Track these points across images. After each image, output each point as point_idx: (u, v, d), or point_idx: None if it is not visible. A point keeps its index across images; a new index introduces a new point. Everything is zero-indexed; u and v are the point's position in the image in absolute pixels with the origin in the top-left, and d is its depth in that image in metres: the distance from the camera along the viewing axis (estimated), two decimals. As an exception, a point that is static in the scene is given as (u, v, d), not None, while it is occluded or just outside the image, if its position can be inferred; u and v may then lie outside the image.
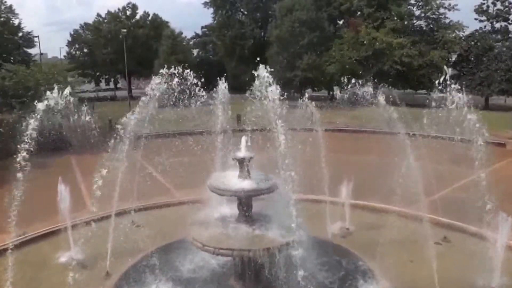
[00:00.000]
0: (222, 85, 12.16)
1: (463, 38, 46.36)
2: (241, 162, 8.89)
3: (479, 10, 46.11)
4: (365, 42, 44.05)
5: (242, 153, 9.02)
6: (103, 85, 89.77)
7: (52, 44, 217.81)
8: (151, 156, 26.76)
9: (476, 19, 46.51)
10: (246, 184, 8.69)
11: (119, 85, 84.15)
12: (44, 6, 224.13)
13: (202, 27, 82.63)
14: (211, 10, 62.10)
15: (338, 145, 28.66)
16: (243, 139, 9.25)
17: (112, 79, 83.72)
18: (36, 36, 65.80)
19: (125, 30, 30.45)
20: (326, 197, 14.12)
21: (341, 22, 55.88)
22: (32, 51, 62.70)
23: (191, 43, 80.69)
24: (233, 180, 8.91)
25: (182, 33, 77.99)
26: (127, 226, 12.86)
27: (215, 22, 63.12)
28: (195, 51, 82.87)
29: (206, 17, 60.21)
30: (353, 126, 33.20)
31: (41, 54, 74.54)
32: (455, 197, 15.37)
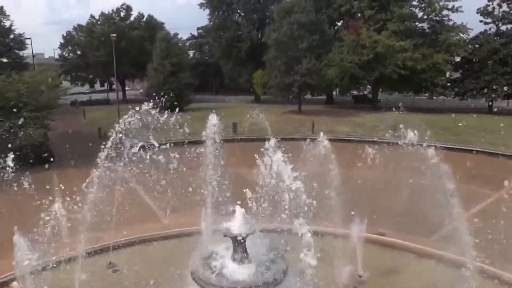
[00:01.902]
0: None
1: (467, 40, 44.78)
2: (236, 241, 6.98)
3: (484, 12, 44.56)
4: (366, 45, 42.49)
5: (237, 227, 7.03)
6: (98, 86, 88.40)
7: (51, 43, 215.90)
8: (140, 171, 25.19)
9: (481, 21, 44.97)
10: (243, 274, 6.73)
11: (114, 86, 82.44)
12: (44, 5, 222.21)
13: (198, 28, 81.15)
14: (208, 11, 60.30)
15: (341, 157, 27.16)
16: (238, 211, 7.42)
17: (107, 81, 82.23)
18: (28, 38, 64.39)
19: (115, 35, 28.87)
20: (332, 228, 12.58)
21: (339, 24, 54.43)
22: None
23: (187, 44, 79.17)
24: (226, 264, 6.98)
25: (177, 34, 76.54)
26: (103, 270, 11.28)
27: (211, 23, 61.48)
28: (191, 53, 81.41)
29: (204, 17, 59.55)
30: (358, 135, 31.55)
31: (34, 56, 72.99)
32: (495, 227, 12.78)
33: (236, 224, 7.01)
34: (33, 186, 22.61)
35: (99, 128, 33.70)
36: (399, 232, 16.87)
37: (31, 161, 26.06)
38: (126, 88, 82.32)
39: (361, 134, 31.78)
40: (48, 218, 9.64)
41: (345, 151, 28.47)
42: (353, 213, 12.44)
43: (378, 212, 17.75)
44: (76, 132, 36.86)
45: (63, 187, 21.94)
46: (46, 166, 25.88)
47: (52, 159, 27.36)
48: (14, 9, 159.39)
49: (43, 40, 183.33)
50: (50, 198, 20.15)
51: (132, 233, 15.28)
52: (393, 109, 43.90)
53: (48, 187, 22.13)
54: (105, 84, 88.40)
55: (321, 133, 11.02)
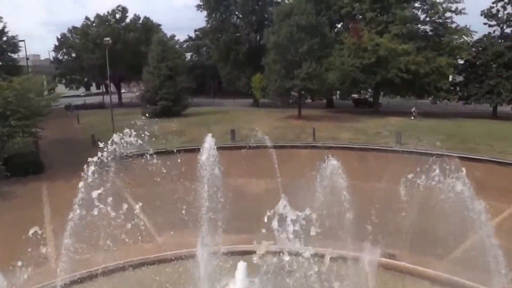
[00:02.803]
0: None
1: (470, 43, 43.70)
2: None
3: (488, 14, 43.52)
4: (368, 48, 41.38)
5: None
6: (94, 88, 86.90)
7: (48, 45, 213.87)
8: (133, 183, 23.97)
9: (485, 23, 43.93)
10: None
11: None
12: (42, 6, 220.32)
13: (195, 30, 79.98)
14: (205, 13, 59.01)
15: (347, 168, 25.88)
16: (240, 266, 6.36)
17: (103, 84, 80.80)
18: (22, 40, 63.10)
19: (108, 39, 27.70)
20: (342, 251, 11.55)
21: (339, 26, 53.36)
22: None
23: (184, 46, 77.98)
24: None
25: (174, 36, 75.30)
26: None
27: (208, 25, 60.25)
28: (188, 55, 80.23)
29: (202, 18, 58.56)
30: (361, 142, 30.32)
31: (27, 59, 71.64)
32: None
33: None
34: (19, 200, 21.45)
35: (92, 135, 32.50)
36: (411, 253, 15.75)
37: (19, 172, 24.99)
38: (123, 91, 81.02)
39: (364, 141, 30.65)
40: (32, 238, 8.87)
41: (349, 160, 27.42)
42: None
43: (387, 229, 16.62)
44: (69, 139, 35.64)
45: (50, 203, 20.83)
46: (36, 177, 24.91)
47: (42, 170, 26.26)
48: (10, 9, 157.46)
49: (40, 42, 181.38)
50: (36, 216, 18.93)
51: (124, 256, 14.25)
52: (406, 114, 42.52)
53: (35, 202, 21.00)
54: (101, 87, 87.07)
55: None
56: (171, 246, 16.22)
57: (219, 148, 31.94)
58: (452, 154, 26.76)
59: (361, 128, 35.14)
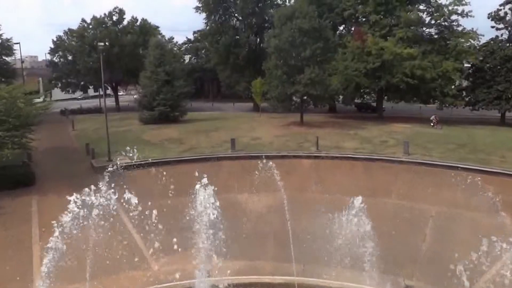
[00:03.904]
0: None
1: (477, 47, 42.32)
2: None
3: (496, 17, 42.20)
4: (372, 52, 40.05)
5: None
6: (92, 91, 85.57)
7: (46, 45, 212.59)
8: (129, 196, 22.59)
9: (492, 27, 42.62)
10: None
11: (108, 91, 79.84)
12: (40, 6, 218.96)
13: (194, 32, 78.79)
14: (204, 14, 57.59)
15: (352, 181, 24.54)
16: None
17: (100, 87, 79.51)
18: (17, 43, 61.91)
19: (102, 44, 26.47)
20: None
21: (341, 28, 52.08)
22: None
23: (182, 49, 76.75)
24: None
25: (173, 38, 74.08)
26: None
27: (207, 28, 58.87)
28: (187, 57, 79.03)
29: (202, 19, 57.22)
30: (367, 152, 28.92)
31: (22, 62, 70.40)
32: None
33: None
34: (7, 218, 20.08)
35: (87, 144, 31.19)
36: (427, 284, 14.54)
37: (8, 184, 23.65)
38: (121, 93, 79.73)
39: (370, 150, 29.32)
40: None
41: (354, 172, 26.11)
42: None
43: (400, 256, 15.38)
44: (63, 147, 34.33)
45: (39, 222, 19.50)
46: (27, 190, 23.57)
47: (33, 182, 24.92)
48: (8, 10, 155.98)
49: (38, 42, 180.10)
50: (23, 238, 17.58)
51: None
52: (411, 119, 41.10)
53: (23, 221, 19.68)
54: (99, 90, 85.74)
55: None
56: (165, 274, 15.01)
57: (219, 158, 30.58)
58: (464, 166, 25.56)
59: (365, 136, 33.83)
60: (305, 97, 37.84)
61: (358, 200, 11.86)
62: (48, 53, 64.91)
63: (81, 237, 11.31)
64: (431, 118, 38.78)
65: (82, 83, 63.83)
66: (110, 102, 73.50)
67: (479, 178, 23.21)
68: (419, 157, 27.21)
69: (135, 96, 74.17)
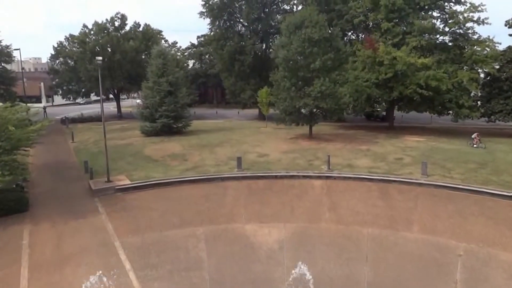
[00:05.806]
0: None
1: (494, 56, 40.31)
2: None
3: (513, 25, 40.35)
4: (384, 62, 38.21)
5: None
6: (94, 95, 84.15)
7: (50, 47, 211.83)
8: (127, 226, 20.92)
9: (510, 35, 40.69)
10: None
11: (111, 96, 78.38)
12: (44, 8, 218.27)
13: (198, 37, 77.35)
14: (208, 20, 55.93)
15: (368, 208, 23.01)
16: None
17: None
18: (17, 49, 60.73)
19: (100, 58, 24.94)
20: None
21: (349, 34, 50.33)
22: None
23: (185, 54, 75.25)
24: None
25: (176, 43, 72.58)
26: None
27: (211, 33, 57.24)
28: (190, 62, 77.60)
29: (206, 20, 55.78)
30: (382, 172, 27.05)
31: (23, 68, 69.07)
32: None
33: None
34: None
35: (85, 162, 29.57)
36: None
37: (0, 211, 22.07)
38: (123, 97, 78.20)
39: (384, 170, 27.50)
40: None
41: (370, 197, 24.35)
42: None
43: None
44: (61, 162, 32.70)
45: (30, 260, 17.89)
46: (19, 218, 21.98)
47: (27, 208, 23.35)
48: (13, 11, 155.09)
49: (42, 44, 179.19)
50: (11, 282, 15.82)
51: None
52: (423, 130, 39.30)
53: (12, 260, 18.02)
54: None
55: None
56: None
57: (224, 179, 28.65)
58: (488, 191, 23.76)
59: (379, 152, 32.02)
60: (314, 110, 36.00)
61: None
62: (49, 59, 63.58)
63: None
64: (473, 137, 34.77)
65: (83, 90, 62.38)
66: (112, 107, 72.20)
67: (500, 203, 21.44)
68: (439, 178, 25.39)
69: (137, 101, 72.79)
